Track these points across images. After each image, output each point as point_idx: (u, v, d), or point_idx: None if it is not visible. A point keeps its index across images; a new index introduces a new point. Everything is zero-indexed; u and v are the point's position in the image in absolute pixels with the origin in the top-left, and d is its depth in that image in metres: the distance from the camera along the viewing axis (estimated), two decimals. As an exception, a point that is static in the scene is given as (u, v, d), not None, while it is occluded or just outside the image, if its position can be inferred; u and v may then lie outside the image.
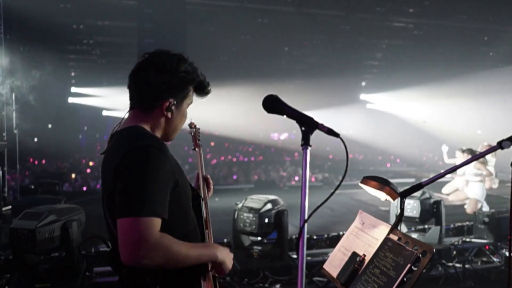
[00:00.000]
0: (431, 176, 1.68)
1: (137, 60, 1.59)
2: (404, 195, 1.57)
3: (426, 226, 5.43)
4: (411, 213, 5.01)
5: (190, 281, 1.49)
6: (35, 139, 18.94)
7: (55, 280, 3.64)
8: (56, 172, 10.85)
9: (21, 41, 12.26)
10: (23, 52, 13.42)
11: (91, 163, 18.51)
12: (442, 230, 5.06)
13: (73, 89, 21.98)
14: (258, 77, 19.92)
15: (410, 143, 23.99)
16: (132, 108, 1.56)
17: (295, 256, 4.77)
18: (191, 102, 1.65)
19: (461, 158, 7.50)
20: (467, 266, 4.98)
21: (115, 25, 11.54)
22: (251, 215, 4.55)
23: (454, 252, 5.24)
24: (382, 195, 1.63)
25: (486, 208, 7.15)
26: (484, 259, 5.37)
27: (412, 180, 11.50)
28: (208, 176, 2.01)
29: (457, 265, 4.99)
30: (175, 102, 1.54)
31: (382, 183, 1.61)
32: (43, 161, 18.25)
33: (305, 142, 1.34)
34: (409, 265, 1.34)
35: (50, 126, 20.78)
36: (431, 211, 5.05)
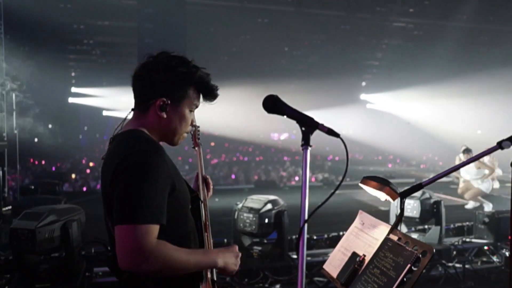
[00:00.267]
0: (431, 176, 1.68)
1: (138, 60, 1.59)
2: (404, 195, 1.57)
3: (426, 226, 5.43)
4: (411, 213, 5.01)
5: (189, 284, 1.49)
6: (35, 139, 18.95)
7: (55, 280, 3.64)
8: (56, 172, 10.86)
9: (21, 41, 12.27)
10: (23, 52, 13.43)
11: (90, 164, 18.51)
12: (442, 230, 5.07)
13: (73, 89, 21.99)
14: (258, 77, 19.92)
15: (410, 143, 23.99)
16: (132, 109, 1.56)
17: (295, 256, 4.77)
18: (196, 106, 1.61)
19: (462, 160, 7.51)
20: (467, 266, 4.98)
21: (115, 25, 11.53)
22: (251, 215, 4.55)
23: (454, 252, 5.24)
24: (382, 195, 1.63)
25: (488, 208, 7.15)
26: (484, 259, 5.36)
27: (412, 180, 11.49)
28: (208, 177, 1.99)
29: (457, 265, 4.99)
30: (168, 102, 1.50)
31: (382, 183, 1.61)
32: (43, 161, 18.25)
33: (305, 142, 1.34)
34: (409, 265, 1.34)
35: (50, 126, 20.78)
36: (431, 211, 5.05)
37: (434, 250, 1.34)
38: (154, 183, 1.34)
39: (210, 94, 1.61)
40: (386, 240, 1.50)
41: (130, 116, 1.58)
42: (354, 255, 1.54)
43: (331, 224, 5.99)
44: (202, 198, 1.73)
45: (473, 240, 5.60)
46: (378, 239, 1.52)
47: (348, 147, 1.35)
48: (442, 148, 8.65)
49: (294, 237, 5.10)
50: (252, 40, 13.73)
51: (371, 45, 14.54)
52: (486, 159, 7.81)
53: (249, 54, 15.23)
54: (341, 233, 5.48)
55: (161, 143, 1.58)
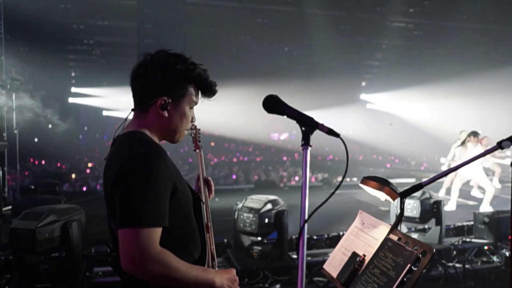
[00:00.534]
0: (431, 176, 1.68)
1: (137, 60, 1.58)
2: (404, 195, 1.57)
3: (426, 226, 5.43)
4: (411, 213, 5.01)
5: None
6: (35, 139, 18.95)
7: (55, 280, 3.64)
8: (56, 172, 10.86)
9: (21, 41, 12.27)
10: (23, 52, 13.44)
11: (90, 164, 18.51)
12: (442, 230, 5.07)
13: (73, 89, 21.99)
14: (258, 77, 19.92)
15: (410, 143, 23.99)
16: (133, 109, 1.55)
17: (295, 256, 4.77)
18: (196, 103, 1.61)
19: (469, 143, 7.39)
20: (467, 266, 4.97)
21: (115, 25, 11.53)
22: (251, 215, 4.55)
23: (454, 252, 5.24)
24: (382, 195, 1.63)
25: (485, 209, 7.16)
26: (484, 259, 5.36)
27: (412, 180, 11.50)
28: (209, 178, 1.99)
29: (457, 265, 4.99)
30: (170, 100, 1.50)
31: (382, 183, 1.61)
32: (43, 161, 18.25)
33: (305, 142, 1.34)
34: (409, 265, 1.34)
35: (50, 126, 20.78)
36: (431, 211, 5.05)
37: (434, 250, 1.34)
38: (156, 186, 1.35)
39: (209, 91, 1.61)
40: (386, 240, 1.50)
41: (131, 116, 1.58)
42: (354, 255, 1.54)
43: (331, 224, 6.00)
44: (203, 200, 1.73)
45: (473, 240, 5.60)
46: (378, 239, 1.52)
47: (348, 147, 1.35)
48: (442, 148, 8.64)
49: (294, 237, 5.10)
50: (252, 40, 13.71)
51: (371, 45, 14.53)
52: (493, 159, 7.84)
53: (249, 54, 15.22)
54: (341, 233, 5.48)
55: (162, 142, 1.59)
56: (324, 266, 1.68)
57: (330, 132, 1.36)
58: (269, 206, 4.63)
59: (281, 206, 4.73)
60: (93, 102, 22.14)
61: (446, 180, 8.43)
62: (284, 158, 24.71)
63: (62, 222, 3.71)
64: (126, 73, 1.57)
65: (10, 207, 6.72)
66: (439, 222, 5.06)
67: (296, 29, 12.43)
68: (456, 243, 5.41)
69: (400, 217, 1.57)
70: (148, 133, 1.52)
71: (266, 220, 4.54)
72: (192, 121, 1.66)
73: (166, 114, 1.51)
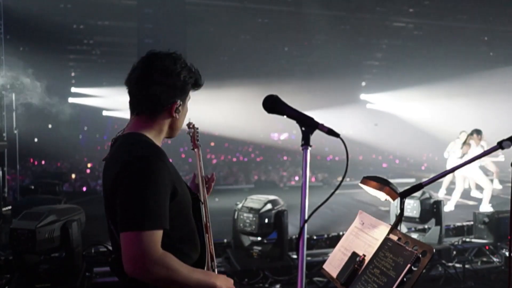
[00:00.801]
0: (431, 176, 1.68)
1: (137, 61, 1.57)
2: (404, 195, 1.57)
3: (426, 226, 5.43)
4: (411, 213, 5.01)
5: None
6: (35, 139, 18.95)
7: (55, 280, 3.64)
8: (56, 172, 10.85)
9: (21, 41, 12.26)
10: (23, 52, 13.43)
11: (89, 164, 18.52)
12: (442, 230, 5.07)
13: (73, 89, 21.99)
14: (258, 77, 19.92)
15: (410, 143, 24.00)
16: (137, 114, 1.53)
17: (295, 256, 4.77)
18: (189, 97, 1.66)
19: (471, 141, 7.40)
20: (467, 266, 4.98)
21: (115, 25, 11.53)
22: (251, 215, 4.55)
23: (454, 252, 5.24)
24: (382, 195, 1.63)
25: (485, 208, 7.16)
26: (484, 259, 5.36)
27: (412, 180, 11.49)
28: (209, 177, 1.99)
29: (457, 265, 4.99)
30: (181, 103, 1.55)
31: (382, 183, 1.61)
32: (43, 161, 18.25)
33: (305, 142, 1.34)
34: (409, 265, 1.34)
35: (50, 126, 20.78)
36: (431, 211, 5.05)
37: (434, 250, 1.34)
38: (157, 188, 1.35)
39: (200, 85, 1.66)
40: (386, 240, 1.50)
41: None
42: (354, 255, 1.54)
43: (331, 224, 6.00)
44: (202, 200, 1.73)
45: (473, 240, 5.60)
46: (378, 239, 1.52)
47: (348, 147, 1.35)
48: (442, 148, 8.65)
49: (294, 237, 5.10)
50: (252, 40, 13.71)
51: (371, 45, 14.52)
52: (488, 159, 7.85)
53: (249, 54, 15.22)
54: (341, 233, 5.48)
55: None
56: (324, 266, 1.68)
57: (330, 132, 1.36)
58: (269, 206, 4.63)
59: (281, 206, 4.73)
60: (93, 102, 22.13)
61: (445, 179, 8.44)
62: (284, 158, 24.72)
63: (62, 222, 3.71)
64: (126, 73, 1.57)
65: (10, 207, 6.72)
66: (439, 222, 5.06)
67: (296, 29, 12.43)
68: (456, 243, 5.41)
69: (400, 217, 1.57)
70: (148, 135, 1.52)
71: (266, 220, 4.54)
72: (190, 125, 1.70)
73: (178, 116, 1.56)
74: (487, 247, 5.43)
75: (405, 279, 1.33)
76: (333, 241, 5.48)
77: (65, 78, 20.66)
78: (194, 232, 1.58)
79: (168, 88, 1.49)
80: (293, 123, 1.36)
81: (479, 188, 8.19)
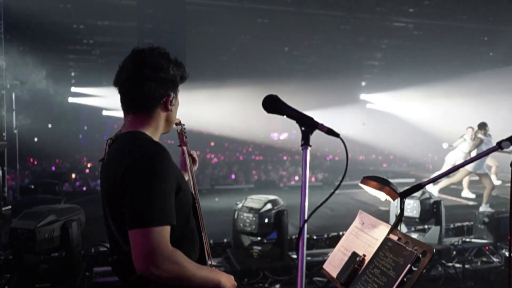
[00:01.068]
0: (431, 176, 1.68)
1: (123, 61, 1.56)
2: (404, 195, 1.57)
3: (426, 226, 5.43)
4: (411, 213, 5.01)
5: None
6: (35, 139, 18.94)
7: (55, 280, 3.64)
8: (56, 172, 10.85)
9: (21, 41, 12.24)
10: (23, 52, 13.41)
11: (89, 164, 18.51)
12: (442, 230, 5.07)
13: (73, 89, 21.98)
14: (258, 77, 19.91)
15: (410, 143, 23.99)
16: (133, 112, 1.54)
17: (295, 256, 4.77)
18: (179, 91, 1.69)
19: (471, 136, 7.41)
20: (467, 266, 4.98)
21: (115, 25, 11.53)
22: (251, 215, 4.55)
23: (454, 252, 5.24)
24: (382, 195, 1.63)
25: (484, 208, 7.16)
26: (484, 259, 5.37)
27: (412, 180, 11.50)
28: (194, 153, 1.99)
29: (457, 265, 4.99)
30: (174, 95, 1.58)
31: (382, 183, 1.61)
32: (43, 161, 18.24)
33: (305, 142, 1.34)
34: (409, 265, 1.34)
35: (50, 126, 20.78)
36: (431, 211, 5.05)
37: (434, 250, 1.34)
38: (163, 185, 1.36)
39: (185, 79, 1.67)
40: (386, 240, 1.50)
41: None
42: (354, 255, 1.54)
43: (331, 224, 6.00)
44: (196, 198, 1.72)
45: (473, 240, 5.60)
46: (378, 239, 1.52)
47: (348, 147, 1.35)
48: (442, 148, 8.66)
49: (294, 237, 5.10)
50: (252, 40, 13.70)
51: (371, 45, 14.51)
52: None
53: (249, 54, 15.21)
54: (341, 233, 5.49)
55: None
56: (324, 266, 1.68)
57: (330, 132, 1.36)
58: (269, 206, 4.63)
59: (281, 206, 4.73)
60: (93, 102, 22.11)
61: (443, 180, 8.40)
62: (284, 158, 24.72)
63: (62, 222, 3.71)
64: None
65: (10, 207, 6.72)
66: (439, 222, 5.06)
67: (296, 29, 12.41)
68: (456, 243, 5.41)
69: (400, 217, 1.57)
70: (147, 132, 1.53)
71: (266, 220, 4.54)
72: (177, 123, 1.74)
73: (172, 109, 1.59)
74: (487, 247, 5.43)
75: (405, 279, 1.33)
76: (333, 241, 5.48)
77: (65, 78, 20.66)
78: (194, 230, 1.58)
79: (160, 82, 1.51)
80: (293, 123, 1.36)
81: (470, 188, 8.22)
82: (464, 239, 5.60)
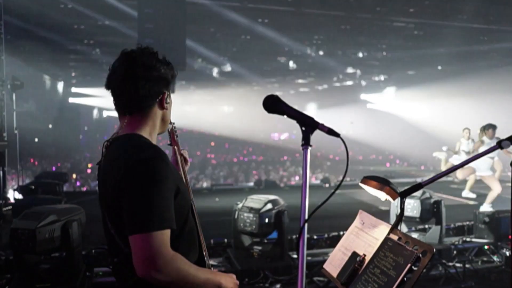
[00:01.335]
0: (431, 176, 1.68)
1: (113, 63, 1.55)
2: (404, 195, 1.57)
3: (426, 226, 5.43)
4: (412, 213, 5.01)
5: None
6: (35, 139, 18.95)
7: (55, 280, 3.64)
8: (56, 172, 10.85)
9: (21, 41, 12.25)
10: (23, 52, 13.42)
11: (90, 164, 18.53)
12: (443, 230, 5.07)
13: (73, 89, 21.99)
14: (259, 77, 19.91)
15: (410, 143, 23.99)
16: (130, 114, 1.53)
17: (295, 256, 4.77)
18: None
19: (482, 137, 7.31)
20: (467, 266, 4.98)
21: (115, 25, 11.51)
22: (251, 215, 4.55)
23: (455, 252, 5.24)
24: (382, 195, 1.63)
25: (486, 208, 7.15)
26: (485, 259, 5.36)
27: (412, 180, 11.50)
28: (185, 154, 1.99)
29: (458, 265, 4.99)
30: (168, 94, 1.58)
31: (382, 183, 1.61)
32: (43, 161, 18.26)
33: (306, 142, 1.35)
34: (409, 265, 1.34)
35: (50, 126, 20.78)
36: (431, 211, 5.05)
37: (435, 250, 1.34)
38: (162, 189, 1.36)
39: (175, 77, 1.66)
40: (386, 239, 1.50)
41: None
42: (354, 254, 1.54)
43: (331, 224, 6.00)
44: (191, 197, 1.72)
45: (474, 239, 5.60)
46: (378, 239, 1.52)
47: (348, 147, 1.35)
48: (443, 149, 8.67)
49: (294, 237, 5.10)
50: (252, 40, 13.70)
51: (371, 45, 14.50)
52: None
53: (249, 54, 15.21)
54: (341, 233, 5.48)
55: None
56: (324, 266, 1.68)
57: (330, 132, 1.37)
58: (269, 206, 4.63)
59: (281, 206, 4.73)
60: (93, 102, 22.13)
61: (469, 180, 8.30)
62: (284, 158, 24.73)
63: (62, 222, 3.71)
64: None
65: (10, 207, 6.72)
66: (439, 222, 5.06)
67: (296, 29, 12.40)
68: (456, 242, 5.41)
69: (400, 217, 1.57)
70: (144, 134, 1.53)
71: (266, 220, 4.54)
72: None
73: (167, 107, 1.58)
74: (487, 247, 5.43)
75: (405, 278, 1.33)
76: (333, 241, 5.48)
77: (65, 78, 20.67)
78: (193, 231, 1.58)
79: (154, 81, 1.51)
80: (293, 123, 1.36)
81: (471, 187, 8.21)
82: (464, 238, 5.60)
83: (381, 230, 1.55)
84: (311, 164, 1.34)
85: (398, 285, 1.32)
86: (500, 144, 1.61)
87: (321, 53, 15.09)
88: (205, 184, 15.35)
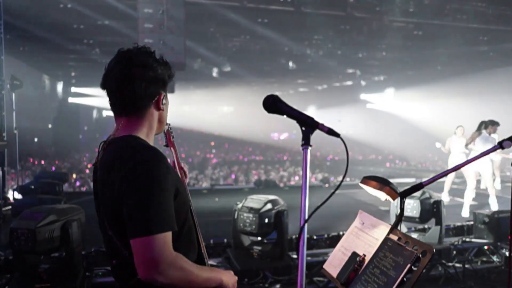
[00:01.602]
0: (431, 176, 1.68)
1: (108, 63, 1.54)
2: (404, 195, 1.57)
3: (426, 226, 5.43)
4: (411, 213, 5.01)
5: None
6: (35, 139, 18.95)
7: (55, 280, 3.64)
8: (56, 172, 10.84)
9: (21, 41, 12.25)
10: (23, 52, 13.41)
11: (89, 165, 18.52)
12: (442, 230, 5.07)
13: (73, 89, 21.98)
14: (258, 77, 19.91)
15: (410, 143, 24.00)
16: (126, 115, 1.52)
17: (295, 256, 4.77)
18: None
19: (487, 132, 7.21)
20: (467, 266, 4.98)
21: (115, 25, 11.50)
22: (251, 215, 4.55)
23: (454, 252, 5.24)
24: (382, 195, 1.63)
25: (493, 205, 7.17)
26: (484, 259, 5.37)
27: (412, 180, 11.50)
28: (185, 168, 2.00)
29: (457, 265, 4.99)
30: (165, 94, 1.57)
31: (382, 183, 1.62)
32: (43, 161, 18.25)
33: (305, 142, 1.34)
34: (409, 265, 1.34)
35: (50, 126, 20.78)
36: (431, 211, 5.05)
37: (434, 250, 1.34)
38: (163, 191, 1.36)
39: (172, 78, 1.65)
40: (386, 240, 1.50)
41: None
42: (354, 255, 1.54)
43: (331, 224, 6.00)
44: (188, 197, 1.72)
45: (473, 240, 5.60)
46: (378, 239, 1.52)
47: (348, 147, 1.35)
48: (438, 147, 8.70)
49: (294, 237, 5.10)
50: (252, 40, 13.69)
51: (371, 45, 14.49)
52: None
53: (249, 54, 15.21)
54: (341, 233, 5.49)
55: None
56: (324, 266, 1.68)
57: (330, 132, 1.36)
58: (269, 206, 4.63)
59: (281, 206, 4.73)
60: (93, 102, 22.12)
61: (446, 181, 8.41)
62: (284, 158, 24.74)
63: (62, 222, 3.71)
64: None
65: (10, 207, 6.71)
66: (439, 222, 5.06)
67: (296, 29, 12.39)
68: (456, 243, 5.41)
69: (400, 217, 1.57)
70: (142, 136, 1.52)
71: (266, 220, 4.54)
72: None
73: (163, 108, 1.58)
74: (487, 247, 5.43)
75: (405, 279, 1.33)
76: (333, 241, 5.48)
77: (65, 78, 20.66)
78: (192, 231, 1.59)
79: (151, 81, 1.49)
80: (293, 123, 1.36)
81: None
82: (464, 239, 5.60)
83: (381, 230, 1.55)
84: (310, 164, 1.34)
85: (398, 285, 1.32)
86: (501, 144, 1.62)
87: (320, 53, 15.07)
88: (204, 184, 15.37)
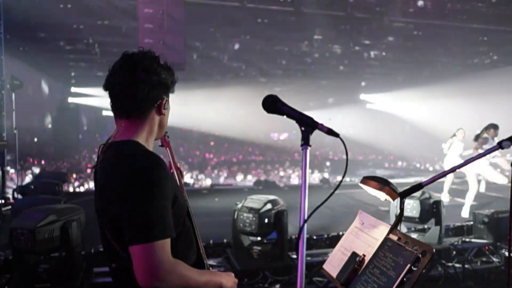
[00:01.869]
0: (431, 176, 1.68)
1: (112, 65, 1.54)
2: (404, 195, 1.57)
3: (426, 226, 5.43)
4: (411, 213, 5.01)
5: None
6: (35, 139, 18.94)
7: (55, 280, 3.64)
8: (56, 172, 10.84)
9: (21, 41, 12.24)
10: (23, 52, 13.41)
11: (89, 165, 18.52)
12: (442, 230, 5.07)
13: (73, 89, 21.96)
14: (258, 77, 19.90)
15: (410, 143, 23.99)
16: (127, 117, 1.52)
17: (295, 256, 4.77)
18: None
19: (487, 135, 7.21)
20: (466, 266, 4.98)
21: (115, 25, 11.49)
22: (251, 215, 4.55)
23: (454, 252, 5.25)
24: (382, 195, 1.63)
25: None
26: (484, 259, 5.37)
27: (412, 180, 11.50)
28: (180, 165, 2.00)
29: (457, 265, 4.99)
30: (167, 99, 1.57)
31: (382, 183, 1.61)
32: (43, 161, 18.25)
33: (305, 142, 1.34)
34: (408, 265, 1.34)
35: (50, 126, 20.77)
36: (431, 211, 5.06)
37: (434, 250, 1.34)
38: (162, 198, 1.36)
39: (175, 83, 1.66)
40: (386, 240, 1.50)
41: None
42: (354, 255, 1.54)
43: (331, 224, 6.00)
44: (186, 199, 1.72)
45: (473, 240, 5.61)
46: (378, 239, 1.52)
47: (348, 147, 1.35)
48: (442, 148, 8.69)
49: (293, 237, 5.10)
50: (252, 40, 13.68)
51: (371, 45, 14.48)
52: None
53: (249, 54, 15.20)
54: (341, 233, 5.49)
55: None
56: (324, 266, 1.68)
57: (330, 132, 1.37)
58: (268, 206, 4.63)
59: (280, 206, 4.73)
60: (93, 102, 22.08)
61: (446, 182, 8.41)
62: (284, 158, 24.73)
63: (62, 222, 3.71)
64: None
65: (10, 207, 6.72)
66: (438, 222, 5.06)
67: (296, 29, 12.38)
68: (456, 243, 5.41)
69: (400, 217, 1.57)
70: (141, 141, 1.52)
71: (266, 220, 4.54)
72: None
73: (165, 113, 1.57)
74: (486, 247, 5.44)
75: (405, 279, 1.33)
76: (333, 241, 5.48)
77: (65, 78, 20.64)
78: (191, 233, 1.59)
79: (154, 85, 1.49)
80: (292, 123, 1.36)
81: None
82: (464, 239, 5.60)
83: (381, 230, 1.55)
84: (310, 164, 1.34)
85: (397, 285, 1.32)
86: (500, 144, 1.62)
87: (320, 53, 15.07)
88: (204, 184, 15.37)
